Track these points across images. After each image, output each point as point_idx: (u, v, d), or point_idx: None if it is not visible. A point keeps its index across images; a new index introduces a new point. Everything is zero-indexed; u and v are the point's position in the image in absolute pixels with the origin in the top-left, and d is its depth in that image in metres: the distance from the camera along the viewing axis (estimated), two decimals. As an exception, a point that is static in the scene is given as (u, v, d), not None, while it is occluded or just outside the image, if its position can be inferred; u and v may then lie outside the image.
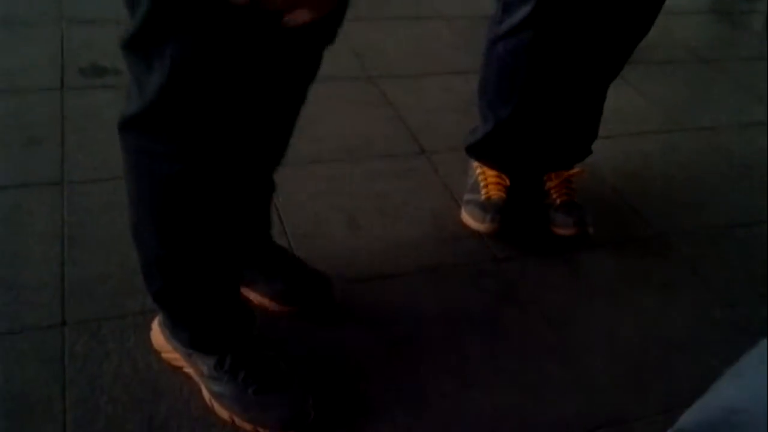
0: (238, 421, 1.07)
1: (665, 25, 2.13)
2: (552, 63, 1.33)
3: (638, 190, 1.73)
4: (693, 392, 1.21)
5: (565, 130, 1.47)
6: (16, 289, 1.22)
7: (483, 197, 1.51)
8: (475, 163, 1.57)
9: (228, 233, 0.97)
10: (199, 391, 1.10)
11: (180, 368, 1.12)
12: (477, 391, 1.17)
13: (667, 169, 1.83)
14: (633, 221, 1.63)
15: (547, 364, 1.24)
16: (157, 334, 1.13)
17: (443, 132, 1.82)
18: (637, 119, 2.03)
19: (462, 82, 2.04)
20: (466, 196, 1.55)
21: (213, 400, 1.09)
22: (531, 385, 1.20)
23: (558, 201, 1.52)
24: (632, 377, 1.24)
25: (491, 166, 1.54)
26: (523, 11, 1.27)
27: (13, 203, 1.40)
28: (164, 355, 1.13)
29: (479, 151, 1.54)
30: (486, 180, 1.53)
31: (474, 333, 1.28)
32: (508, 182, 1.53)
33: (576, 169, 1.56)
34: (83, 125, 1.63)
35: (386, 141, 1.77)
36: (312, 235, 1.45)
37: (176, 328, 1.08)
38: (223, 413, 1.08)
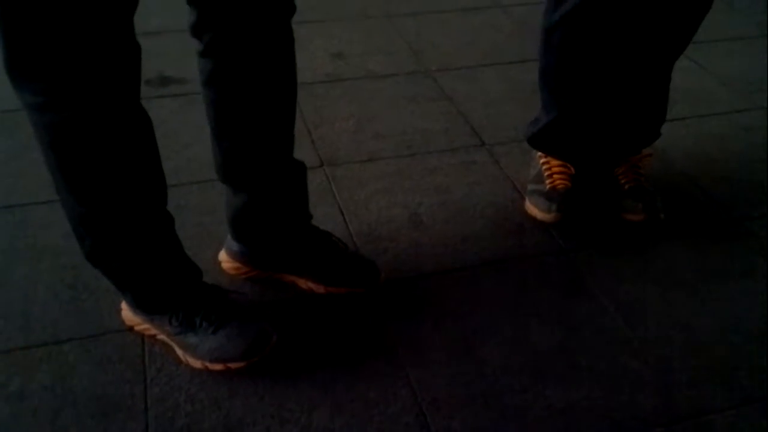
0: (209, 365, 1.12)
1: None
2: (610, 47, 1.29)
3: (711, 174, 1.66)
4: (776, 384, 1.17)
5: (631, 115, 1.43)
6: (98, 293, 1.28)
7: (548, 187, 1.48)
8: (539, 153, 1.54)
9: (135, 181, 1.01)
10: (272, 387, 1.13)
11: (154, 336, 1.17)
12: (549, 386, 1.16)
13: (740, 150, 1.75)
14: (707, 207, 1.57)
15: (622, 357, 1.21)
16: (126, 311, 1.19)
17: (503, 123, 1.80)
18: (707, 100, 1.95)
19: (521, 72, 2.02)
20: (530, 186, 1.53)
21: (186, 355, 1.14)
22: (605, 379, 1.17)
23: (626, 186, 1.48)
24: (711, 370, 1.20)
25: (556, 156, 1.51)
26: None
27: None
28: (136, 328, 1.19)
29: (542, 141, 1.51)
30: (551, 169, 1.50)
31: (544, 327, 1.26)
32: (573, 171, 1.49)
33: (644, 154, 1.51)
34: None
35: (446, 135, 1.76)
36: (375, 231, 1.46)
37: (120, 291, 1.13)
38: (196, 363, 1.13)
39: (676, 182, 1.63)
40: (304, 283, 1.30)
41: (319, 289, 1.29)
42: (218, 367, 1.13)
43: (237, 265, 1.31)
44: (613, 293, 1.33)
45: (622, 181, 1.49)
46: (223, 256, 1.33)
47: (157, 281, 1.12)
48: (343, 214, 1.49)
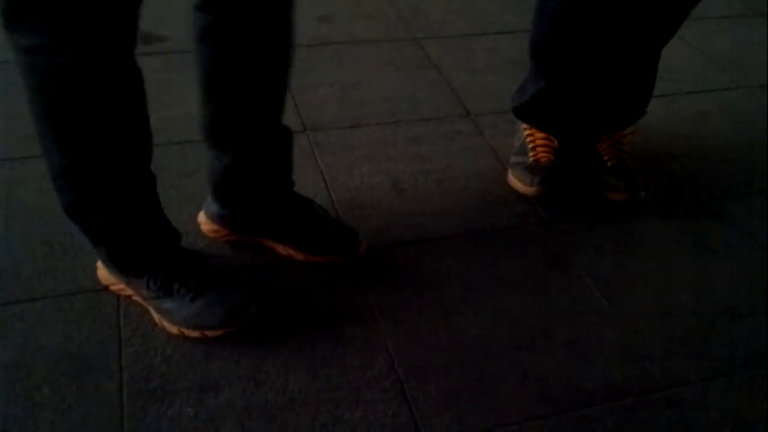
0: (186, 331, 1.12)
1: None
2: (605, 21, 1.28)
3: (693, 151, 1.67)
4: (745, 357, 1.19)
5: (619, 92, 1.42)
6: (73, 251, 1.26)
7: (531, 159, 1.48)
8: (523, 125, 1.54)
9: (123, 138, 1.00)
10: (250, 351, 1.12)
11: (129, 297, 1.17)
12: (524, 355, 1.17)
13: (724, 129, 1.76)
14: (687, 183, 1.58)
15: (597, 328, 1.23)
16: (102, 270, 1.18)
17: (489, 94, 1.79)
18: (692, 77, 1.95)
19: (509, 42, 2.00)
20: (513, 159, 1.52)
21: (161, 320, 1.14)
22: (581, 349, 1.19)
23: (609, 163, 1.48)
24: (685, 342, 1.22)
25: (540, 128, 1.50)
26: None
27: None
28: (112, 288, 1.18)
29: (528, 112, 1.50)
30: (534, 142, 1.50)
31: (522, 297, 1.27)
32: (556, 144, 1.49)
33: (629, 130, 1.51)
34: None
35: (431, 103, 1.75)
36: (357, 199, 1.45)
37: (96, 247, 1.12)
38: (173, 328, 1.13)
39: (657, 158, 1.64)
40: (283, 250, 1.29)
41: (299, 256, 1.28)
42: (195, 334, 1.12)
43: (216, 227, 1.30)
44: (591, 266, 1.34)
45: (605, 158, 1.49)
46: (202, 218, 1.31)
47: (134, 240, 1.11)
48: (325, 180, 1.48)
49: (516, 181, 1.49)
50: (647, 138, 1.67)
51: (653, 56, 1.40)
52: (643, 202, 1.47)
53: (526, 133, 1.52)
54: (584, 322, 1.24)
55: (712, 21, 2.20)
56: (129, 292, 1.16)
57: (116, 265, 1.13)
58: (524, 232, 1.41)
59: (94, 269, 1.20)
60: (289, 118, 1.63)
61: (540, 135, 1.50)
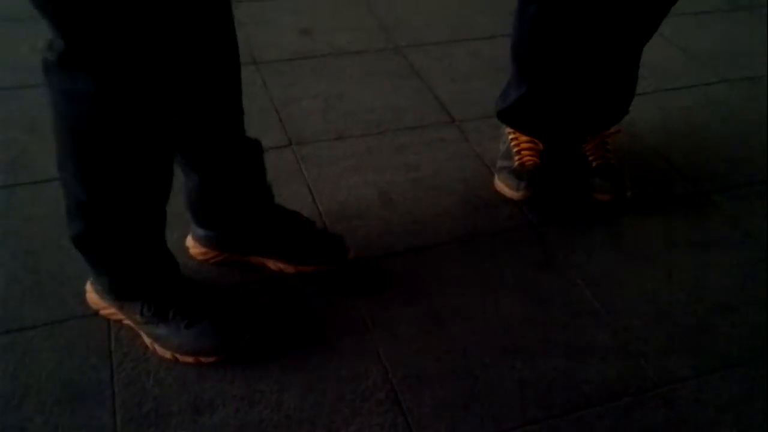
0: (179, 356, 1.12)
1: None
2: (585, 23, 1.29)
3: (677, 146, 1.68)
4: (740, 352, 1.20)
5: (601, 92, 1.43)
6: (61, 278, 1.25)
7: (516, 164, 1.48)
8: (508, 129, 1.54)
9: (147, 180, 1.00)
10: (242, 369, 1.12)
11: (120, 321, 1.16)
12: (519, 359, 1.16)
13: (707, 123, 1.77)
14: (673, 179, 1.59)
15: (590, 328, 1.23)
16: (91, 293, 1.18)
17: (473, 99, 1.79)
18: (674, 73, 1.96)
19: (490, 48, 2.01)
20: (499, 163, 1.53)
21: (154, 344, 1.13)
22: (574, 350, 1.19)
23: (594, 164, 1.49)
24: (680, 339, 1.22)
25: (524, 132, 1.50)
26: None
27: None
28: (102, 312, 1.18)
29: (512, 116, 1.50)
30: (519, 146, 1.50)
31: (514, 301, 1.27)
32: (541, 147, 1.49)
33: (612, 130, 1.52)
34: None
35: (415, 112, 1.75)
36: (345, 210, 1.44)
37: (97, 275, 1.12)
38: (165, 353, 1.12)
39: (643, 155, 1.65)
40: (273, 264, 1.29)
41: (289, 269, 1.28)
42: (189, 359, 1.12)
43: (204, 250, 1.29)
44: (581, 267, 1.34)
45: (590, 158, 1.50)
46: (189, 242, 1.31)
47: (137, 270, 1.10)
48: (312, 193, 1.48)
49: (503, 186, 1.49)
50: (632, 136, 1.68)
51: (635, 55, 1.41)
52: (630, 201, 1.48)
53: (511, 137, 1.52)
54: (577, 323, 1.24)
55: (691, 17, 2.21)
56: (120, 316, 1.16)
57: (114, 292, 1.12)
58: (513, 235, 1.41)
59: (83, 295, 1.19)
60: (274, 132, 1.64)
61: (524, 138, 1.50)
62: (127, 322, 1.16)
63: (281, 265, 1.28)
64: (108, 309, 1.17)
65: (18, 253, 1.30)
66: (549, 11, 1.30)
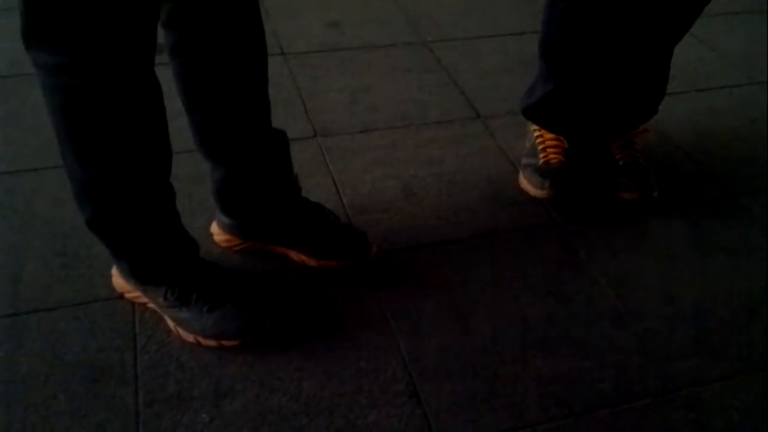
0: (202, 340, 1.13)
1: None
2: (612, 24, 1.27)
3: (707, 148, 1.65)
4: (765, 357, 1.18)
5: (629, 92, 1.41)
6: (88, 261, 1.27)
7: (541, 161, 1.47)
8: (533, 126, 1.53)
9: (144, 153, 1.00)
10: (264, 357, 1.13)
11: (144, 304, 1.18)
12: (539, 356, 1.16)
13: (737, 125, 1.74)
14: (701, 181, 1.57)
15: (610, 328, 1.22)
16: (117, 277, 1.19)
17: (499, 96, 1.78)
18: (704, 74, 1.94)
19: (517, 44, 1.99)
20: (524, 161, 1.52)
21: (177, 327, 1.15)
22: (593, 349, 1.18)
23: (621, 163, 1.47)
24: (699, 341, 1.20)
25: (550, 129, 1.50)
26: None
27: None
28: (127, 296, 1.19)
29: (537, 113, 1.49)
30: (544, 143, 1.49)
31: (534, 298, 1.26)
32: (567, 145, 1.48)
33: (640, 129, 1.50)
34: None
35: (441, 107, 1.75)
36: (368, 202, 1.45)
37: (117, 259, 1.13)
38: (188, 336, 1.14)
39: (671, 156, 1.63)
40: (296, 256, 1.29)
41: (311, 261, 1.29)
42: (211, 342, 1.13)
43: (228, 237, 1.30)
44: (604, 266, 1.33)
45: (618, 157, 1.48)
46: (214, 228, 1.32)
47: (154, 252, 1.12)
48: (336, 185, 1.48)
49: (527, 184, 1.48)
50: (660, 136, 1.66)
51: (665, 55, 1.39)
52: (656, 201, 1.46)
53: (536, 134, 1.51)
54: (599, 322, 1.23)
55: (722, 17, 2.18)
56: (144, 300, 1.17)
57: (135, 276, 1.14)
58: (536, 233, 1.41)
59: (109, 278, 1.21)
60: (300, 124, 1.65)
61: (550, 136, 1.49)
62: (151, 305, 1.17)
63: (303, 258, 1.29)
64: (132, 293, 1.18)
65: (46, 236, 1.32)
66: (577, 9, 1.28)
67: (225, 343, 1.13)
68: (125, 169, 1.00)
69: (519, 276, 1.31)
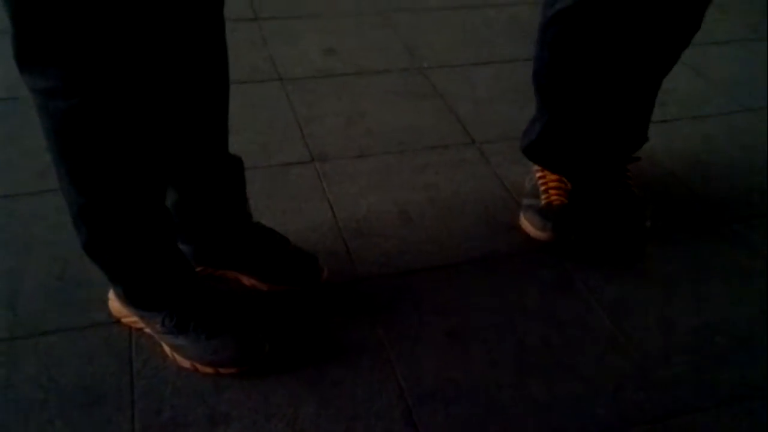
0: (199, 367, 1.13)
1: (721, 2, 2.05)
2: (603, 49, 1.29)
3: (700, 175, 1.67)
4: (760, 385, 1.18)
5: (620, 120, 1.41)
6: (86, 285, 1.27)
7: (543, 203, 1.46)
8: (535, 167, 1.53)
9: (139, 177, 1.00)
10: (259, 383, 1.13)
11: (141, 329, 1.18)
12: (534, 382, 1.16)
13: (731, 152, 1.76)
14: (694, 208, 1.58)
15: (607, 355, 1.22)
16: (114, 302, 1.19)
17: (494, 122, 1.80)
18: (696, 101, 1.96)
19: (513, 71, 2.02)
20: (525, 201, 1.51)
21: (173, 353, 1.14)
22: (590, 375, 1.18)
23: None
24: (695, 369, 1.21)
25: (551, 168, 1.50)
26: None
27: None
28: (124, 320, 1.19)
29: (538, 151, 1.49)
30: (547, 184, 1.48)
31: (529, 323, 1.27)
32: (569, 186, 1.48)
33: (633, 157, 1.51)
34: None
35: (436, 132, 1.77)
36: (364, 226, 1.46)
37: (112, 283, 1.13)
38: (185, 362, 1.14)
39: (665, 183, 1.64)
40: (246, 280, 1.29)
41: (262, 286, 1.28)
42: (208, 370, 1.13)
43: None
44: (599, 291, 1.34)
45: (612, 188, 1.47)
46: None
47: (150, 277, 1.12)
48: (332, 209, 1.50)
49: (528, 225, 1.46)
50: (654, 162, 1.68)
51: (653, 86, 1.41)
52: (650, 228, 1.47)
53: (538, 175, 1.51)
54: (593, 348, 1.23)
55: (714, 46, 2.21)
56: (141, 325, 1.18)
57: (132, 301, 1.14)
58: (531, 258, 1.42)
59: (106, 303, 1.21)
60: (296, 149, 1.66)
61: (552, 177, 1.49)
62: (148, 330, 1.17)
63: (254, 282, 1.28)
64: (129, 317, 1.18)
65: (45, 259, 1.32)
66: (566, 36, 1.28)
67: (222, 370, 1.13)
68: (120, 193, 1.00)
69: (515, 301, 1.32)
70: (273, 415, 1.09)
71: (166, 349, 1.16)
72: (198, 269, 1.29)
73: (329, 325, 1.25)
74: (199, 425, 1.07)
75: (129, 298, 1.14)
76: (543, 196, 1.47)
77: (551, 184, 1.48)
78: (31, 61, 0.86)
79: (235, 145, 1.23)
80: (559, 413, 1.12)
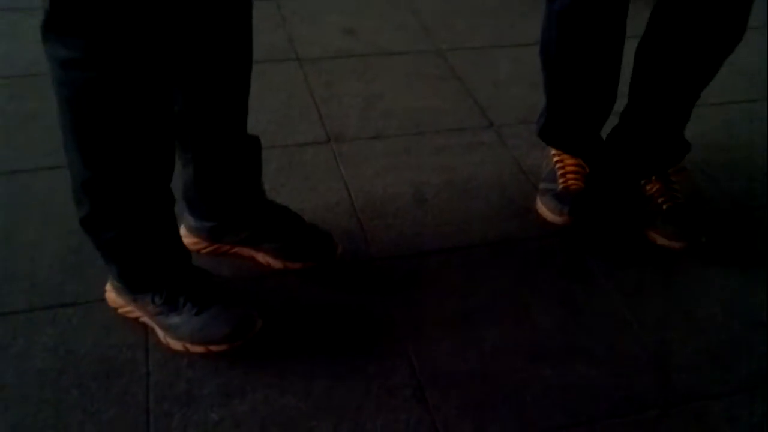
0: (190, 346, 1.12)
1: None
2: (615, 20, 1.27)
3: (718, 162, 1.65)
4: (777, 371, 1.18)
5: (659, 135, 1.36)
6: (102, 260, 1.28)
7: (560, 187, 1.45)
8: (553, 151, 1.51)
9: (147, 155, 1.00)
10: (273, 358, 1.14)
11: (137, 319, 1.17)
12: (547, 366, 1.16)
13: (751, 140, 1.74)
14: (714, 194, 1.57)
15: (621, 340, 1.22)
16: (110, 293, 1.19)
17: (512, 105, 1.79)
18: (718, 88, 1.92)
19: (532, 54, 1.98)
20: (542, 185, 1.49)
21: (166, 337, 1.14)
22: (603, 359, 1.18)
23: (664, 207, 1.39)
24: (711, 355, 1.20)
25: (566, 150, 1.48)
26: None
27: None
28: (120, 311, 1.18)
29: (551, 132, 1.48)
30: (564, 168, 1.47)
31: (544, 307, 1.27)
32: (587, 170, 1.46)
33: (676, 167, 1.44)
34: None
35: (454, 114, 1.76)
36: (379, 207, 1.46)
37: (106, 262, 1.12)
38: (177, 345, 1.13)
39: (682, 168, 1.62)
40: (261, 258, 1.29)
41: (276, 263, 1.28)
42: (199, 349, 1.12)
43: (195, 240, 1.29)
44: (614, 276, 1.34)
45: (659, 201, 1.40)
46: (182, 231, 1.29)
47: (145, 258, 1.11)
48: (348, 190, 1.49)
49: (544, 209, 1.45)
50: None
51: (693, 98, 1.36)
52: (703, 249, 1.39)
53: (556, 159, 1.49)
54: (608, 333, 1.23)
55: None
56: (137, 314, 1.16)
57: (124, 281, 1.13)
58: (547, 242, 1.41)
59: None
60: (313, 129, 1.66)
61: (570, 161, 1.47)
62: (143, 319, 1.16)
63: (269, 260, 1.28)
64: (125, 307, 1.17)
65: (62, 233, 1.34)
66: (575, 6, 1.25)
67: (213, 348, 1.12)
68: (127, 169, 1.00)
69: (529, 284, 1.31)
70: (286, 390, 1.10)
71: (159, 333, 1.15)
72: (213, 246, 1.30)
73: (343, 303, 1.25)
74: (213, 398, 1.08)
75: (122, 278, 1.13)
76: (560, 180, 1.46)
77: (569, 169, 1.47)
78: (58, 30, 0.87)
79: (252, 124, 1.23)
80: (571, 396, 1.12)
